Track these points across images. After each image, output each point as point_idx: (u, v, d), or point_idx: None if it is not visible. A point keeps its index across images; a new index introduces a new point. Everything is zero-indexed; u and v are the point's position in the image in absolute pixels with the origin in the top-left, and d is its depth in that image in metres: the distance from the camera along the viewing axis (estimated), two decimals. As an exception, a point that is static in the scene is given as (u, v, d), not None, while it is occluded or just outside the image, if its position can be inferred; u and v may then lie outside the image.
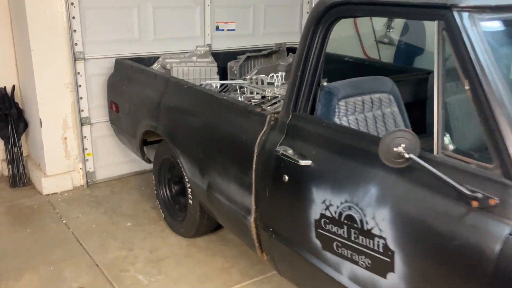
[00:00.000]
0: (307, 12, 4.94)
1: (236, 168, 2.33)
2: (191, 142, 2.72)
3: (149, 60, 3.88)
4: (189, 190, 2.91)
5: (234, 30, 4.52)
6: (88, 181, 4.05)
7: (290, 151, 2.00)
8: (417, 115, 2.69)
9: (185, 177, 2.87)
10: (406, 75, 2.97)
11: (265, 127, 2.19)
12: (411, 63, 4.38)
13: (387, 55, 4.63)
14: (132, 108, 3.36)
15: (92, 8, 3.70)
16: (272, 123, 2.19)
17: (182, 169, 2.85)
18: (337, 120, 2.15)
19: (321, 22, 1.97)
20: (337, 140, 1.85)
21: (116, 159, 4.16)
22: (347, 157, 1.79)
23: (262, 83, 3.55)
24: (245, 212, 2.30)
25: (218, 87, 3.15)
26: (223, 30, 4.45)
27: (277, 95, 3.12)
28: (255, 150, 2.19)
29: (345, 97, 2.19)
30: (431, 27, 1.61)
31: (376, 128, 2.30)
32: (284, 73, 3.42)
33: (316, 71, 2.03)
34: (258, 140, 2.19)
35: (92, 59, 3.79)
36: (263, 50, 4.43)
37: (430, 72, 2.87)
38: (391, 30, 4.48)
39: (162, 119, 2.97)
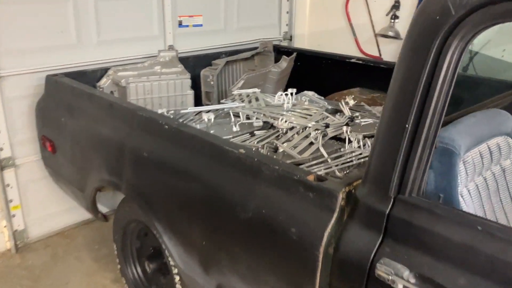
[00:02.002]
0: (287, 0, 4.01)
1: (280, 280, 1.37)
2: (184, 218, 1.72)
3: (94, 74, 2.79)
4: (177, 278, 1.93)
5: (201, 25, 3.49)
6: (18, 243, 2.92)
7: (406, 274, 1.08)
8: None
9: (170, 262, 1.89)
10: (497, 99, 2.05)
11: (335, 215, 1.25)
12: (424, 61, 3.59)
13: (389, 52, 3.80)
14: (78, 151, 2.29)
15: (4, 3, 2.55)
16: (342, 203, 1.25)
17: (167, 253, 1.86)
18: (460, 198, 1.25)
19: (455, 35, 1.04)
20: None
21: (55, 207, 3.04)
22: None
23: (257, 100, 2.59)
24: None
25: (212, 119, 2.16)
26: (187, 26, 3.41)
27: (294, 124, 2.18)
28: (320, 256, 1.25)
29: (464, 153, 1.29)
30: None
31: (499, 195, 1.43)
32: (295, 90, 2.47)
33: (440, 119, 1.11)
34: (324, 239, 1.25)
35: (11, 76, 2.63)
36: (243, 51, 3.46)
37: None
38: (396, 20, 3.65)
39: (128, 174, 1.94)
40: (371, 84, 3.22)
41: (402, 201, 1.14)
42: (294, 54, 3.16)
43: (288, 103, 2.35)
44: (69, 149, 2.36)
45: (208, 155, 1.61)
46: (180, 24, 3.35)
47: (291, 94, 2.41)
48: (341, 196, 1.25)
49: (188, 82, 2.83)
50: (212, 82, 3.07)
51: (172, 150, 1.74)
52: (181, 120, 2.40)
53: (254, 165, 1.46)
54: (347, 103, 2.40)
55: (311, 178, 1.34)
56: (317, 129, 2.14)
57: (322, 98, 2.82)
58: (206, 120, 2.10)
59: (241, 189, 1.49)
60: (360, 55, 3.88)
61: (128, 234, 2.28)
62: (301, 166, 1.81)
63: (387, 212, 1.16)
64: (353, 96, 2.55)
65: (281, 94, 2.38)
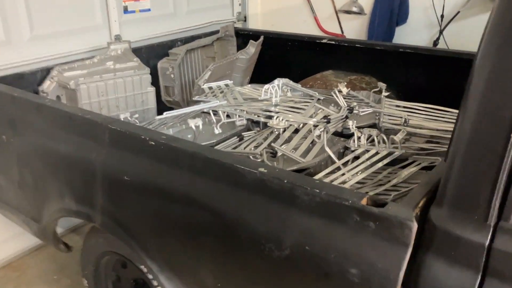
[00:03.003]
0: (238, -23, 3.66)
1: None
2: (188, 255, 1.40)
3: (33, 77, 2.33)
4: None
5: (149, 10, 3.07)
6: (-45, 285, 2.44)
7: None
8: None
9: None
10: None
11: (409, 249, 0.99)
12: (391, 36, 3.40)
13: (351, 29, 3.59)
14: (28, 175, 1.86)
15: None
16: (417, 234, 0.99)
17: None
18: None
19: None
20: None
21: (-3, 236, 2.58)
22: None
23: (232, 93, 2.27)
24: None
25: (200, 125, 1.80)
26: (134, 11, 2.98)
27: (291, 122, 1.89)
28: (395, 301, 0.99)
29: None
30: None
31: None
32: (281, 81, 2.17)
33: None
34: (400, 281, 0.99)
35: None
36: (199, 37, 3.10)
37: None
38: (359, -5, 3.44)
39: (104, 203, 1.57)
40: (343, 66, 3.00)
41: (508, 230, 0.90)
42: (262, 38, 2.85)
43: (276, 96, 2.05)
44: (15, 173, 1.92)
45: (218, 178, 1.29)
46: (125, 10, 2.92)
47: (278, 86, 2.11)
48: (415, 224, 0.99)
49: (148, 78, 2.45)
50: (172, 75, 2.70)
51: (165, 172, 1.40)
52: (151, 126, 2.04)
53: (285, 189, 1.16)
54: (340, 92, 2.14)
55: (364, 202, 1.07)
56: (316, 126, 1.87)
57: (299, 85, 2.55)
58: (193, 127, 1.75)
59: (271, 220, 1.19)
60: (320, 33, 3.64)
61: (102, 268, 1.91)
62: (315, 177, 1.55)
63: (486, 244, 0.92)
64: (346, 83, 2.29)
65: (268, 88, 2.07)
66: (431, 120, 2.07)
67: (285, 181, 1.17)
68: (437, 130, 1.89)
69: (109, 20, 2.81)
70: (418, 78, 2.71)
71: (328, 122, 1.88)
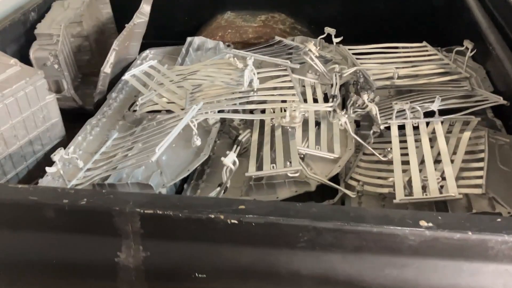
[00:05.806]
0: None
1: None
2: None
3: None
4: None
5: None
6: None
7: None
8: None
9: None
10: None
11: None
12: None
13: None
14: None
15: None
16: None
17: None
18: None
19: None
20: None
21: None
22: None
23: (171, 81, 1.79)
24: None
25: (237, 162, 1.26)
26: None
27: (303, 111, 1.54)
28: None
29: None
30: None
31: None
32: (250, 62, 1.71)
33: None
34: None
35: None
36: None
37: None
38: None
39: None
40: (239, 4, 2.64)
41: None
42: (154, -9, 2.22)
43: (254, 80, 1.64)
44: None
45: (361, 248, 0.99)
46: None
47: (251, 66, 1.67)
48: None
49: (44, 84, 1.73)
50: (56, 66, 1.98)
51: (269, 255, 1.02)
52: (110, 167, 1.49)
53: (471, 242, 0.94)
54: (311, 51, 1.80)
55: None
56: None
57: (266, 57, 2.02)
58: (232, 166, 1.26)
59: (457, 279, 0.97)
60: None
61: None
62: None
63: None
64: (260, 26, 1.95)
65: (244, 72, 1.62)
66: (396, 63, 1.97)
67: (470, 233, 0.94)
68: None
69: None
70: (329, 7, 2.53)
71: (334, 98, 1.60)
